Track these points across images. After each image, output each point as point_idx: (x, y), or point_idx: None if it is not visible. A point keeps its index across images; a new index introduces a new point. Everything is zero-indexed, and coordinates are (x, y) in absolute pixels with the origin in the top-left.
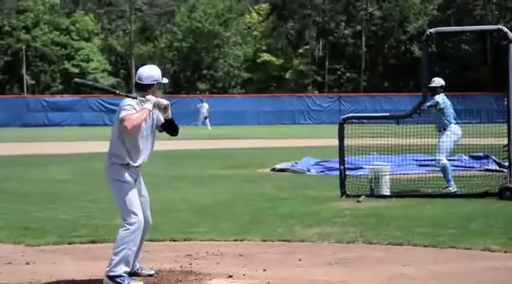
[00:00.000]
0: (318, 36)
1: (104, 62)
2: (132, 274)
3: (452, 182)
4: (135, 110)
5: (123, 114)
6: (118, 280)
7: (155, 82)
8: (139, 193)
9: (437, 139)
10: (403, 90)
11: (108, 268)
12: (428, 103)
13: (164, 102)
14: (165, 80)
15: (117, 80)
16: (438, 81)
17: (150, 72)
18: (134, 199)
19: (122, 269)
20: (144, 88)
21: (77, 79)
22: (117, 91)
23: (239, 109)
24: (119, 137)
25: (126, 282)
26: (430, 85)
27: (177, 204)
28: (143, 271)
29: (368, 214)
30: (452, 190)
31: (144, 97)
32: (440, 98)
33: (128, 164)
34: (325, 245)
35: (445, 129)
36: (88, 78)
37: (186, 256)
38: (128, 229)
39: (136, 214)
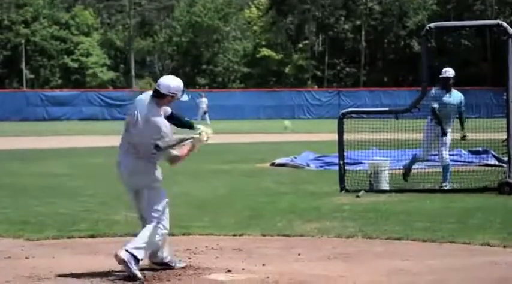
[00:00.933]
0: (317, 31)
1: (103, 56)
2: (164, 264)
3: (448, 180)
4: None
5: (175, 153)
6: (132, 260)
7: (170, 94)
8: None
9: (439, 135)
10: (403, 85)
11: (131, 245)
12: (454, 101)
13: (204, 139)
14: (185, 98)
15: (117, 74)
16: (452, 72)
17: (169, 83)
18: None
19: (141, 255)
20: (159, 96)
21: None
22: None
23: (238, 104)
24: (150, 144)
25: (136, 268)
26: (443, 75)
27: (176, 198)
28: (177, 265)
29: (367, 209)
30: (447, 187)
31: (161, 107)
32: (455, 98)
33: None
34: (325, 240)
35: (448, 125)
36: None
37: (185, 250)
38: (162, 230)
39: (168, 225)
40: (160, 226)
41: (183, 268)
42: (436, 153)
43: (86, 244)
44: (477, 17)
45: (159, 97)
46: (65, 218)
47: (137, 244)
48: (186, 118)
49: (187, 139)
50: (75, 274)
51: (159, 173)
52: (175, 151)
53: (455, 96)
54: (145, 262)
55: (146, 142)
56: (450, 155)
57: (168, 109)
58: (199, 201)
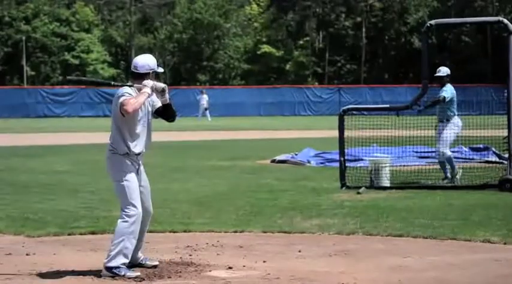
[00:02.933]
0: (318, 28)
1: (104, 53)
2: (136, 265)
3: (449, 175)
4: (133, 96)
5: (122, 99)
6: (115, 271)
7: (150, 71)
8: (140, 183)
9: (437, 130)
10: (403, 82)
11: (106, 260)
12: (432, 99)
13: (161, 85)
14: (161, 69)
15: (118, 71)
16: (444, 71)
17: (146, 61)
18: (134, 190)
19: (120, 260)
20: (139, 77)
21: (70, 77)
22: (113, 83)
23: (239, 101)
24: (118, 126)
25: (123, 273)
26: (436, 74)
27: (177, 195)
28: (147, 262)
29: (368, 205)
30: (448, 183)
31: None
32: (448, 91)
33: (127, 153)
34: (325, 237)
35: (448, 120)
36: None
37: (186, 247)
38: (127, 221)
39: (135, 207)
40: (123, 219)
41: (154, 266)
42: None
43: (86, 241)
44: (478, 14)
45: (139, 78)
46: (66, 215)
47: (111, 253)
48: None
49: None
50: (76, 271)
51: (122, 160)
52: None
53: (447, 90)
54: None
55: (113, 122)
56: (451, 152)
57: (149, 82)
58: (199, 198)
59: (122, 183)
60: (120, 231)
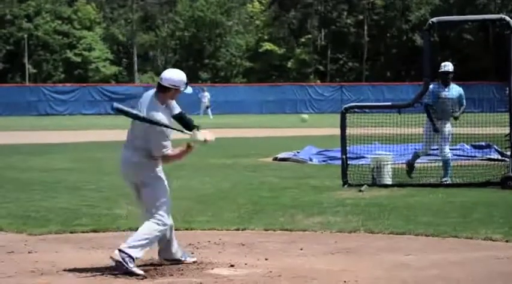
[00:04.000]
0: (320, 26)
1: (105, 51)
2: (175, 261)
3: (449, 174)
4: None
5: (165, 150)
6: (127, 259)
7: (173, 86)
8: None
9: (440, 128)
10: (405, 80)
11: (125, 245)
12: (462, 111)
13: (210, 138)
14: (189, 90)
15: (119, 69)
16: (450, 66)
17: (171, 76)
18: (169, 202)
19: (136, 253)
20: (162, 90)
21: (116, 105)
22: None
23: (241, 99)
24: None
25: (131, 266)
26: (442, 70)
27: (178, 193)
28: (187, 258)
29: (370, 203)
30: (447, 182)
31: (165, 102)
32: (459, 93)
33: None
34: (327, 235)
35: (448, 119)
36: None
37: (188, 245)
38: (159, 225)
39: (169, 220)
40: (158, 222)
41: (192, 262)
42: (437, 146)
43: (88, 239)
44: (480, 11)
45: (162, 91)
46: (68, 212)
47: (133, 243)
48: (187, 119)
49: (178, 130)
50: (78, 269)
51: (155, 168)
52: (168, 151)
53: (454, 90)
54: (147, 258)
55: (146, 138)
56: (453, 149)
57: (175, 106)
58: (201, 196)
59: (160, 190)
60: (150, 229)
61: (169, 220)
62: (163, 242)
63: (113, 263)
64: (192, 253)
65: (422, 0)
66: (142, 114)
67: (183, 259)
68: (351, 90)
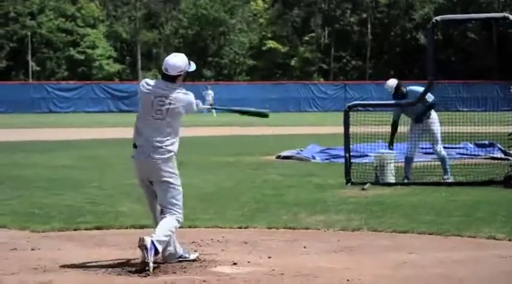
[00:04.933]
0: (323, 24)
1: (109, 48)
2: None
3: (449, 172)
4: None
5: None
6: (153, 251)
7: (181, 72)
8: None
9: (416, 130)
10: (409, 78)
11: (156, 238)
12: (420, 113)
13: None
14: (193, 67)
15: (123, 67)
16: (391, 85)
17: (177, 63)
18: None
19: (160, 248)
20: (171, 79)
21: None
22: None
23: (244, 97)
24: (177, 127)
25: (152, 259)
26: (392, 92)
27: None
28: (191, 256)
29: (373, 201)
30: (450, 180)
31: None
32: (420, 90)
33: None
34: (330, 233)
35: (428, 118)
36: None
37: (191, 243)
38: (178, 222)
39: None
40: (178, 219)
41: (195, 260)
42: (424, 145)
43: (91, 236)
44: (483, 10)
45: (172, 80)
46: (71, 210)
47: (162, 237)
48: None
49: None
50: (81, 266)
51: (174, 164)
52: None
53: (411, 94)
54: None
55: (170, 123)
56: (456, 148)
57: None
58: (204, 194)
59: (179, 188)
60: (172, 226)
61: (182, 219)
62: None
63: (137, 244)
64: (195, 251)
65: None
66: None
67: (186, 256)
68: (354, 89)
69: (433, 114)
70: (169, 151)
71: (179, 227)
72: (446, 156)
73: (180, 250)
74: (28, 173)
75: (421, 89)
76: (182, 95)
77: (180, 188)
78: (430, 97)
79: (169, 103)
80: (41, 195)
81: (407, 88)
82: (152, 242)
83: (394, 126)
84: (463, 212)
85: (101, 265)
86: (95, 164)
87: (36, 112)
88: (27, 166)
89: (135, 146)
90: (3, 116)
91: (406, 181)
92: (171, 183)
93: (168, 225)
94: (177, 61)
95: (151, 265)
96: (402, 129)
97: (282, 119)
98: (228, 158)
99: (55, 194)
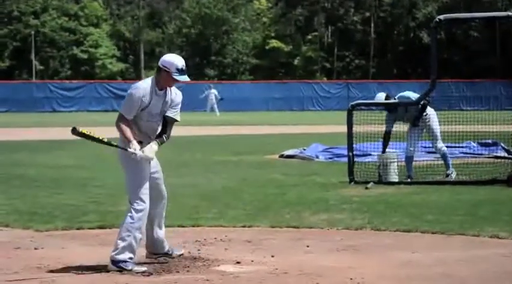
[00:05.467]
0: (326, 23)
1: (112, 47)
2: (163, 254)
3: (451, 167)
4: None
5: (121, 110)
6: (122, 265)
7: (165, 69)
8: (152, 169)
9: (414, 130)
10: (412, 77)
11: (113, 253)
12: (416, 115)
13: (149, 157)
14: (183, 78)
15: (126, 66)
16: (379, 98)
17: (165, 57)
18: (144, 184)
19: (126, 255)
20: (157, 70)
21: (76, 131)
22: (114, 143)
23: (247, 96)
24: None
25: (130, 267)
26: (386, 101)
27: (185, 190)
28: (175, 252)
29: (376, 200)
30: (454, 175)
31: (163, 87)
32: (411, 95)
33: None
34: (333, 232)
35: (425, 116)
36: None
37: (194, 242)
38: (134, 215)
39: (144, 201)
40: (131, 212)
41: (181, 255)
42: (426, 144)
43: (95, 235)
44: (487, 9)
45: (157, 71)
46: (74, 209)
47: (118, 248)
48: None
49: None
50: (84, 265)
51: (127, 152)
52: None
53: (402, 101)
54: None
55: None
56: (460, 147)
57: (175, 103)
58: (208, 193)
59: (132, 174)
60: (128, 226)
61: (142, 205)
62: (149, 236)
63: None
64: (199, 250)
65: None
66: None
67: (169, 252)
68: (357, 88)
69: (430, 111)
70: None
71: (181, 226)
72: (447, 152)
73: (166, 246)
74: (31, 172)
75: (411, 94)
76: None
77: (135, 179)
78: (414, 97)
79: None
80: (44, 194)
81: (398, 95)
82: (111, 261)
83: (387, 136)
84: (467, 211)
85: (104, 264)
86: (97, 163)
87: (39, 111)
88: (30, 166)
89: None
90: (7, 115)
91: (409, 180)
92: (124, 172)
93: (122, 227)
94: (168, 56)
95: (139, 270)
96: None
97: (285, 118)
98: (231, 157)
99: (58, 193)
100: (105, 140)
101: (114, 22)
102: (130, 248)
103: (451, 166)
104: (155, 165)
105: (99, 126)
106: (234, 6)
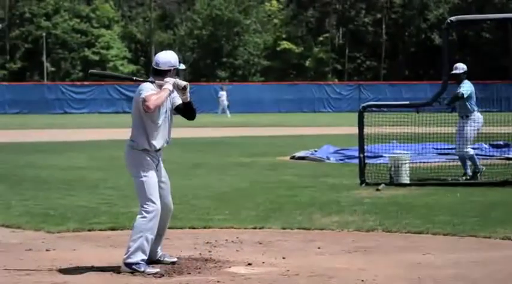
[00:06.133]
0: (338, 24)
1: (124, 49)
2: (155, 261)
3: (469, 171)
4: (155, 92)
5: (144, 94)
6: (135, 267)
7: (172, 67)
8: (160, 178)
9: (458, 126)
10: (423, 78)
11: (125, 256)
12: (450, 97)
13: (183, 82)
14: (182, 66)
15: (137, 67)
16: (461, 67)
17: (167, 58)
18: (153, 186)
19: (139, 256)
20: (160, 74)
21: (92, 71)
22: (134, 78)
23: (259, 97)
24: (140, 122)
25: (143, 269)
26: (453, 72)
27: (196, 191)
28: (165, 258)
29: (387, 202)
30: (468, 179)
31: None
32: (465, 87)
33: (147, 149)
34: (345, 234)
35: (467, 116)
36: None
37: (205, 243)
38: (145, 217)
39: (154, 202)
40: (142, 215)
41: (173, 263)
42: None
43: (106, 237)
44: (499, 10)
45: (160, 75)
46: (86, 210)
47: (130, 250)
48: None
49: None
50: (96, 267)
51: (141, 156)
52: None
53: (465, 87)
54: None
55: (133, 117)
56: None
57: (171, 79)
58: (219, 194)
59: (141, 179)
60: (139, 227)
61: (153, 206)
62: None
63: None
64: (210, 252)
65: None
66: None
67: (161, 259)
68: (368, 89)
69: (475, 115)
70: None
71: (193, 227)
72: (469, 160)
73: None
74: (43, 174)
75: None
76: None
77: (144, 181)
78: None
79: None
80: (56, 196)
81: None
82: (125, 264)
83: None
84: (478, 212)
85: (115, 266)
86: (109, 165)
87: (50, 113)
88: (42, 167)
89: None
90: (18, 117)
91: (465, 178)
92: (133, 177)
93: (134, 231)
94: (167, 56)
95: (152, 272)
96: (417, 129)
97: (296, 120)
98: (243, 159)
99: (70, 195)
100: (123, 75)
101: (126, 24)
102: (142, 249)
103: (468, 172)
104: (164, 175)
105: (111, 128)
106: (245, 8)
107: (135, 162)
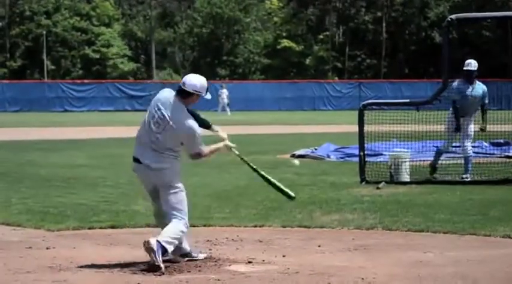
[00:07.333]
0: (338, 23)
1: (124, 47)
2: (185, 255)
3: (470, 171)
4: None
5: (199, 141)
6: (160, 251)
7: (196, 92)
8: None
9: (462, 125)
10: (424, 77)
11: (163, 238)
12: (485, 108)
13: (230, 145)
14: (208, 96)
15: (137, 65)
16: (474, 65)
17: (194, 82)
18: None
19: (169, 248)
20: (183, 94)
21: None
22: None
23: (259, 96)
24: (177, 143)
25: (160, 259)
26: (466, 68)
27: (196, 189)
28: (199, 255)
29: (388, 200)
30: (468, 179)
31: (187, 106)
32: (481, 91)
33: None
34: (345, 232)
35: (471, 115)
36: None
37: (205, 241)
38: (185, 228)
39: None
40: (185, 224)
41: (204, 259)
42: (458, 144)
43: (106, 235)
44: (499, 8)
45: (184, 96)
46: (86, 209)
47: (170, 238)
48: (202, 117)
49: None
50: (96, 265)
51: (179, 171)
52: (203, 148)
53: (478, 89)
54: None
55: (175, 142)
56: (472, 147)
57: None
58: (219, 192)
59: (182, 192)
60: (179, 229)
61: (188, 223)
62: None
63: (143, 248)
64: (201, 251)
65: None
66: (167, 114)
67: (194, 255)
68: (369, 87)
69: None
70: None
71: (193, 226)
72: (472, 156)
73: (188, 248)
74: (43, 172)
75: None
76: (188, 124)
77: (184, 195)
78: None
79: (169, 123)
80: (56, 194)
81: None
82: (158, 242)
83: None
84: (478, 211)
85: (115, 264)
86: (110, 163)
87: (51, 111)
88: (42, 165)
89: None
90: (19, 115)
91: (466, 179)
92: (172, 189)
93: (175, 228)
94: (195, 80)
95: (161, 265)
96: (417, 128)
97: (297, 118)
98: (243, 156)
99: (70, 193)
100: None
101: (126, 22)
102: (173, 246)
103: (469, 172)
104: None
105: (112, 126)
106: (245, 6)
107: (179, 173)
